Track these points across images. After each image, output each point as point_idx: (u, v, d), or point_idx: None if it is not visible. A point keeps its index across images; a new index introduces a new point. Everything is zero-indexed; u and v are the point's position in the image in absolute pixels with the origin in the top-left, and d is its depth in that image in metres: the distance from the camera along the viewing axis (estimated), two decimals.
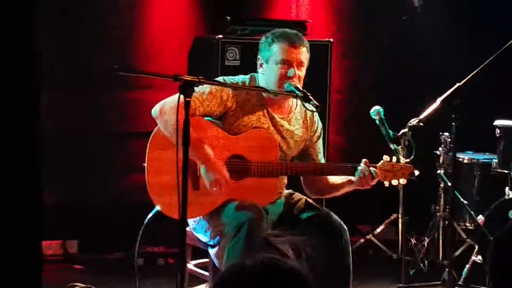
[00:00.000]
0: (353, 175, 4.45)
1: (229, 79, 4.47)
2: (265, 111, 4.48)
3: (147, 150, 4.39)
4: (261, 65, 4.50)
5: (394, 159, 4.48)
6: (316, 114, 4.60)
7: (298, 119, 4.57)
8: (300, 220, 4.48)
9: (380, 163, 4.46)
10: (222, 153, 4.39)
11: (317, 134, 4.63)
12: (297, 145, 4.56)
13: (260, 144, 4.42)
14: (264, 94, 4.46)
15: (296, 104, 4.59)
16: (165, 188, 4.27)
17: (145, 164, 4.38)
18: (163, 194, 4.30)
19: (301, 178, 4.64)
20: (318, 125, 4.64)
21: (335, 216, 4.46)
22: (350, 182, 4.51)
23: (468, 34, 6.98)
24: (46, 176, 4.43)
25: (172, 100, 4.26)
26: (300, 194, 4.63)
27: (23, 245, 3.46)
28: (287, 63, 4.41)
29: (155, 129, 4.40)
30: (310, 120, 4.60)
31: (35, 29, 3.50)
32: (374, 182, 4.45)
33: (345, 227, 4.43)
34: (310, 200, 4.57)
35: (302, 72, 4.46)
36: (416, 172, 4.52)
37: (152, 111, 4.35)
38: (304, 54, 4.47)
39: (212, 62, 6.12)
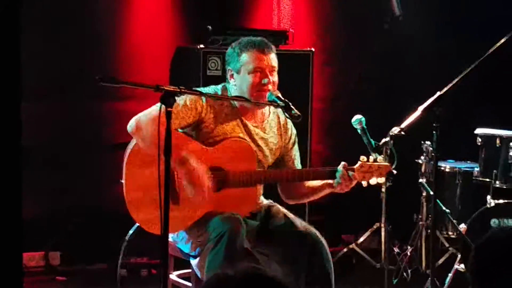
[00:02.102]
0: (332, 178, 4.43)
1: (202, 89, 4.44)
2: (238, 120, 4.46)
3: (124, 167, 4.36)
4: (231, 76, 4.48)
5: (371, 159, 4.49)
6: (289, 120, 4.59)
7: (272, 126, 4.56)
8: (277, 236, 4.44)
9: (357, 165, 4.44)
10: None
11: (292, 140, 4.62)
12: (272, 154, 4.55)
13: (237, 154, 4.40)
14: (237, 103, 4.45)
15: (269, 112, 4.57)
16: (144, 204, 4.25)
17: (123, 181, 4.36)
18: (143, 211, 4.28)
19: (278, 185, 4.63)
20: (292, 131, 4.62)
21: (313, 231, 4.41)
22: (329, 185, 4.48)
23: (451, 42, 7.01)
24: (28, 188, 4.42)
25: (148, 113, 4.27)
26: (279, 206, 4.60)
27: (3, 257, 3.44)
28: (259, 70, 4.40)
29: (131, 146, 4.37)
30: (283, 127, 4.59)
31: (19, 39, 3.49)
32: (353, 185, 4.44)
33: (323, 241, 4.37)
34: (289, 214, 4.52)
35: (275, 78, 4.45)
36: (394, 171, 4.53)
37: (128, 127, 4.32)
38: (274, 59, 4.45)
39: (194, 72, 6.12)
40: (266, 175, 4.47)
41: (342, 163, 4.43)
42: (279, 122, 4.59)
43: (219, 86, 4.51)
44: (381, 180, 4.52)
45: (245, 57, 4.42)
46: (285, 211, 4.55)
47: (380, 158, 4.54)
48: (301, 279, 4.32)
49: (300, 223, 4.47)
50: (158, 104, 4.12)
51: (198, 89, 4.41)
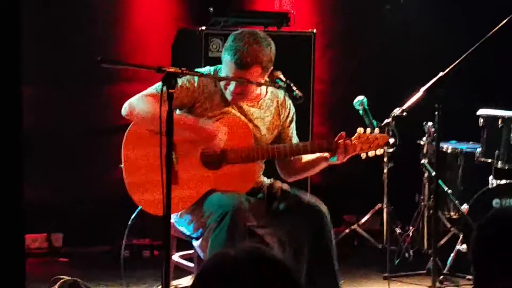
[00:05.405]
0: (329, 150, 4.41)
1: (198, 70, 4.42)
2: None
3: (122, 151, 4.36)
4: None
5: (368, 131, 4.47)
6: (287, 98, 4.57)
7: (270, 105, 4.54)
8: (280, 210, 4.46)
9: (355, 136, 4.42)
10: (196, 146, 4.38)
11: (289, 118, 4.59)
12: (270, 132, 4.53)
13: (233, 131, 4.39)
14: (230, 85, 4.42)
15: (267, 91, 4.54)
16: (144, 186, 4.25)
17: (122, 165, 4.37)
18: (143, 193, 4.28)
19: (276, 163, 4.60)
20: (291, 109, 4.59)
21: (314, 200, 4.43)
22: (324, 158, 4.45)
23: (452, 23, 6.99)
24: (31, 170, 4.42)
25: (139, 95, 4.30)
26: (279, 182, 4.60)
27: (5, 239, 3.45)
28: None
29: (127, 130, 4.38)
30: (282, 106, 4.57)
31: (19, 23, 3.48)
32: (350, 154, 4.39)
33: (325, 209, 4.39)
34: (292, 189, 4.53)
35: (254, 86, 4.37)
36: (391, 140, 4.51)
37: (122, 111, 4.34)
38: (256, 71, 4.31)
39: (195, 53, 6.11)
40: (264, 150, 4.45)
41: (340, 133, 4.40)
42: (277, 101, 4.57)
43: (212, 68, 4.48)
44: (380, 151, 4.49)
45: (225, 58, 4.33)
46: (288, 187, 4.56)
47: (377, 130, 4.51)
48: (304, 256, 4.33)
49: (304, 196, 4.48)
50: (155, 86, 4.17)
51: (196, 70, 4.42)
